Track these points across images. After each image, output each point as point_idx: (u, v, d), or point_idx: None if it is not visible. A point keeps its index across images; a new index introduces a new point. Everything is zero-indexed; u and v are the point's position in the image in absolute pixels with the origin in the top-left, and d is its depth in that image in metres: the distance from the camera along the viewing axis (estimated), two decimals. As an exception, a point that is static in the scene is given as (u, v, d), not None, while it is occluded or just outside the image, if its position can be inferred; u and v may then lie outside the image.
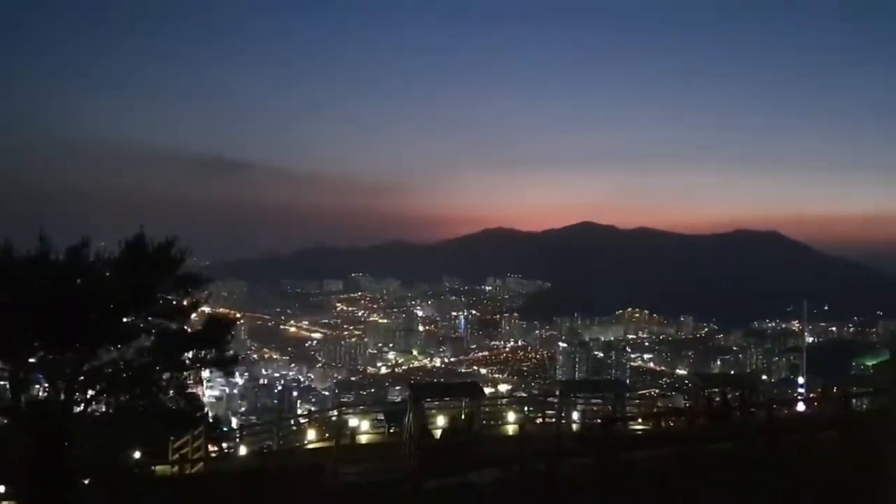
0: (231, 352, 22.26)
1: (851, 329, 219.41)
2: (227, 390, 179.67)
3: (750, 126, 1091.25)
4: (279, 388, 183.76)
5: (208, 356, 21.54)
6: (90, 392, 19.63)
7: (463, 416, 30.56)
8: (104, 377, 19.60)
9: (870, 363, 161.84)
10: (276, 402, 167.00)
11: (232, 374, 21.39)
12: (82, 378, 19.32)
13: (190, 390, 21.62)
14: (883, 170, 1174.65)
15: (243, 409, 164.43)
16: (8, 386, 18.60)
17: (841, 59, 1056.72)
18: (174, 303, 21.18)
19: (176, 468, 23.97)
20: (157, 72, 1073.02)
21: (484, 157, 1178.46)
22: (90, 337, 19.24)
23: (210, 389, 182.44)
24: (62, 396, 19.16)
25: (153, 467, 22.92)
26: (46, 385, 19.60)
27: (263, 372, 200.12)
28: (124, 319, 20.16)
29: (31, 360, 19.06)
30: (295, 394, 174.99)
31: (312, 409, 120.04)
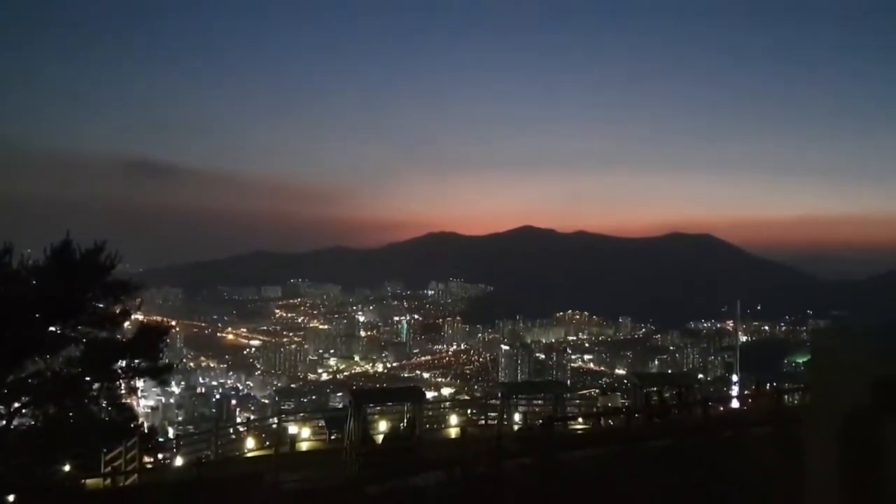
0: (164, 360, 21.51)
1: (783, 328, 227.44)
2: (164, 400, 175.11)
3: (685, 131, 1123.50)
4: (217, 396, 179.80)
5: (141, 365, 20.79)
6: (15, 404, 18.69)
7: (405, 421, 30.41)
8: (31, 389, 18.70)
9: (801, 360, 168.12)
10: (213, 410, 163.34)
11: (166, 384, 20.57)
12: (6, 390, 18.41)
13: (122, 400, 20.75)
14: (812, 173, 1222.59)
15: (180, 418, 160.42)
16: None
17: (772, 65, 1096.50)
18: (104, 311, 20.34)
19: (108, 481, 23.15)
20: (85, 75, 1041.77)
21: (426, 163, 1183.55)
22: (14, 347, 18.36)
23: (145, 399, 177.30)
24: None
25: (84, 481, 22.04)
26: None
27: (201, 380, 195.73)
28: (51, 329, 19.28)
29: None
30: (234, 402, 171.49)
31: (252, 417, 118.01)
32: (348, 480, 23.42)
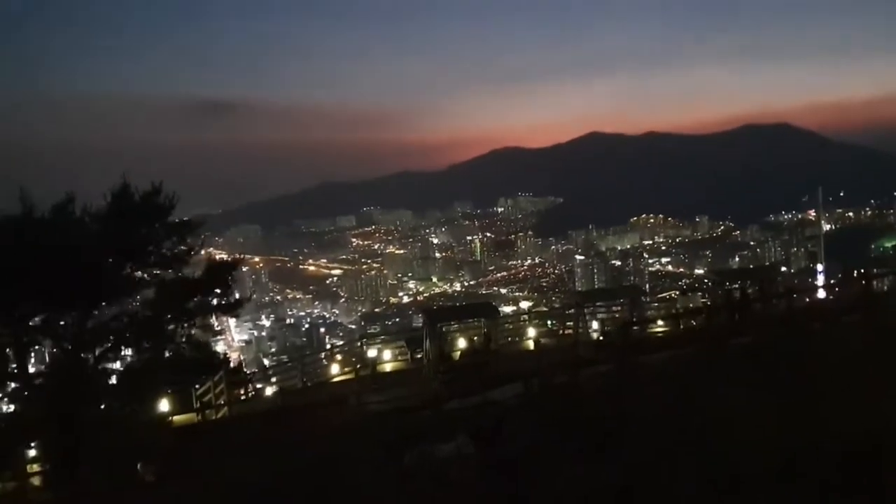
0: (235, 295, 21.95)
1: (869, 213, 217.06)
2: (256, 333, 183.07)
3: (753, 16, 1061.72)
4: (306, 326, 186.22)
5: (213, 302, 21.28)
6: (98, 349, 19.52)
7: (480, 337, 30.50)
8: (110, 333, 19.44)
9: (889, 245, 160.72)
10: (304, 339, 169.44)
11: (238, 317, 21.19)
12: (88, 336, 19.19)
13: (200, 338, 21.43)
14: (888, 52, 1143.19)
15: (273, 349, 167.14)
16: (10, 351, 18.32)
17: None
18: (169, 251, 20.76)
19: (199, 416, 24.15)
20: (141, 20, 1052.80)
21: (484, 77, 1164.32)
22: (87, 293, 18.99)
23: (238, 334, 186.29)
24: (70, 356, 19.11)
25: (172, 417, 23.11)
26: (53, 347, 19.51)
27: (289, 312, 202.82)
28: (121, 272, 19.82)
29: (32, 322, 18.84)
30: (322, 330, 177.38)
31: (340, 343, 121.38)
32: (429, 399, 23.72)
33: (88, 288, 18.59)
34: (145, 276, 20.44)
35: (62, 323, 19.10)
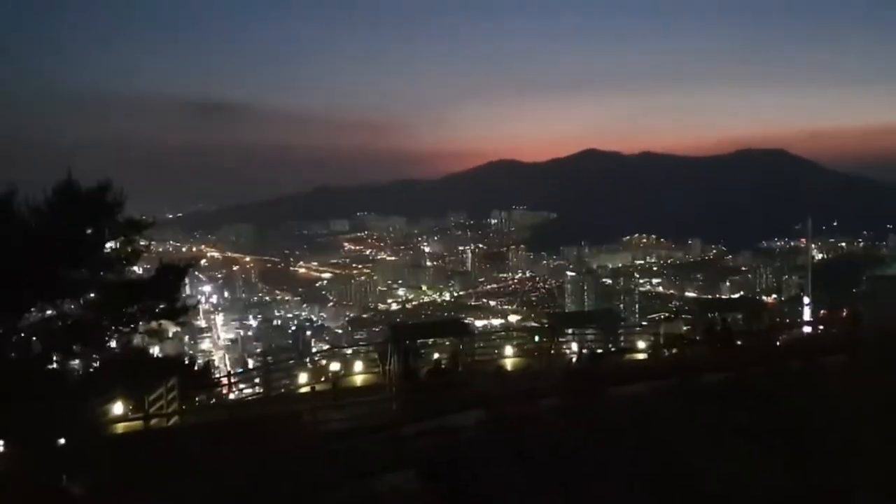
0: (181, 302, 20.74)
1: (861, 244, 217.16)
2: (242, 333, 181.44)
3: (753, 42, 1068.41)
4: (293, 328, 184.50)
5: (158, 307, 20.11)
6: (32, 352, 18.36)
7: (449, 355, 29.32)
8: (45, 335, 18.28)
9: (880, 276, 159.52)
10: (290, 341, 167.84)
11: (183, 325, 20.12)
12: (20, 338, 18.02)
13: (140, 343, 20.30)
14: (887, 81, 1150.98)
15: (259, 350, 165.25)
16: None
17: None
18: (115, 251, 19.61)
19: (143, 423, 22.85)
20: (141, 15, 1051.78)
21: (484, 89, 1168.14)
22: (22, 292, 17.81)
23: (225, 332, 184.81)
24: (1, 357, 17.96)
25: (117, 423, 21.92)
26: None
27: (276, 313, 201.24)
28: (59, 271, 18.63)
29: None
30: (309, 333, 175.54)
31: (326, 347, 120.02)
32: (387, 420, 22.59)
33: (22, 286, 17.38)
34: (87, 277, 19.23)
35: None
